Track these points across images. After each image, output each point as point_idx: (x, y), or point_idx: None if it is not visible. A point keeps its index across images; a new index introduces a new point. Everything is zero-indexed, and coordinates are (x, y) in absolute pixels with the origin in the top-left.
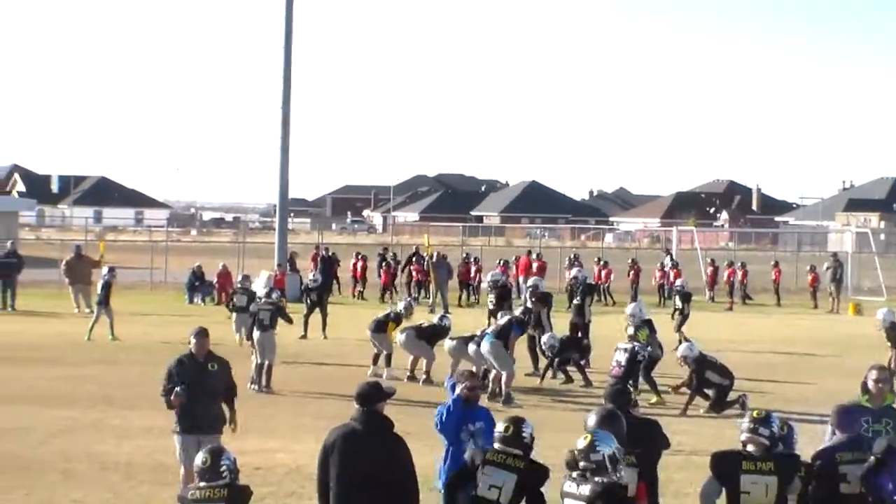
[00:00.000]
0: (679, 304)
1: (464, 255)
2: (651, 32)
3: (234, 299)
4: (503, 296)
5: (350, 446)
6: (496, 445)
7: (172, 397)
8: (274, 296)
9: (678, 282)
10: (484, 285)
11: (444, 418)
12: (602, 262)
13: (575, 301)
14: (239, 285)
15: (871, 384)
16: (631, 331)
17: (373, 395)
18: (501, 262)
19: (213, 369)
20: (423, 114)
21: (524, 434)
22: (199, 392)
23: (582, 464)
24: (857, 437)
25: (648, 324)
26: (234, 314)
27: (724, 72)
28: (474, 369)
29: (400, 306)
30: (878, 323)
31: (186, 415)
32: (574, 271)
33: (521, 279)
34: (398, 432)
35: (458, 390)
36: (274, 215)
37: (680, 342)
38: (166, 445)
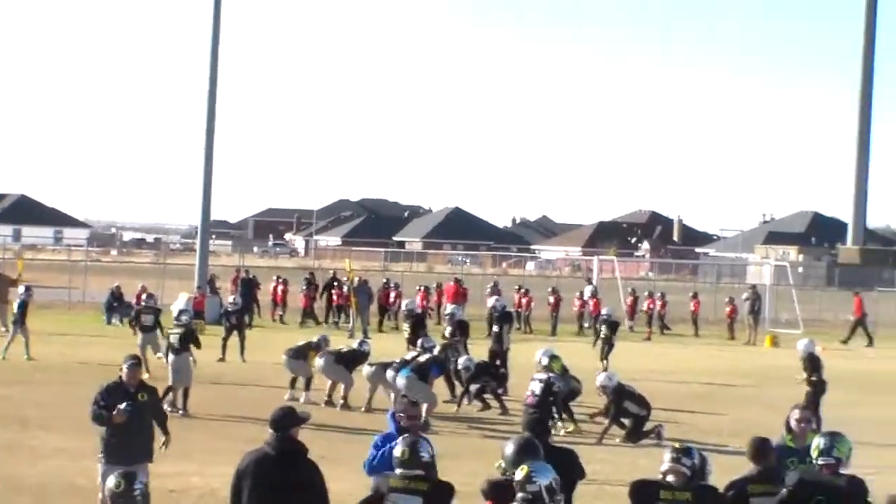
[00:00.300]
0: (605, 332)
1: (384, 281)
2: (575, 62)
3: (141, 318)
4: (418, 324)
5: (263, 471)
6: (397, 471)
7: (115, 413)
8: (184, 318)
9: (604, 310)
10: (403, 310)
11: (374, 462)
12: (523, 290)
13: (494, 328)
14: (144, 304)
15: (793, 424)
16: (545, 361)
17: (286, 420)
18: (421, 289)
19: (143, 399)
20: (348, 138)
21: (423, 455)
22: (128, 423)
23: (519, 495)
24: (770, 470)
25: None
26: (141, 334)
27: (649, 103)
28: (392, 395)
29: (316, 339)
30: (799, 353)
31: (113, 445)
32: (492, 300)
33: (449, 306)
34: (313, 457)
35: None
36: (195, 237)
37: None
38: (82, 468)
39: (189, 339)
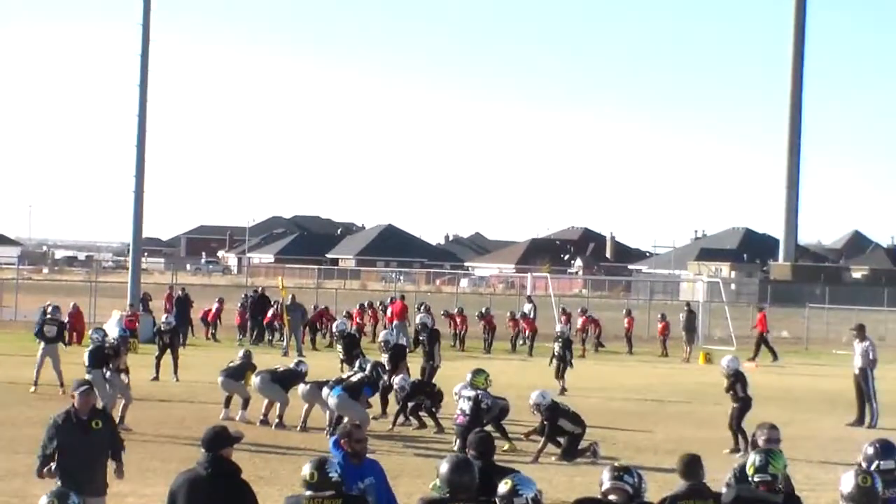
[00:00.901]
0: (558, 350)
1: (318, 307)
2: (508, 80)
3: (44, 329)
4: (350, 345)
5: (195, 492)
6: (306, 493)
7: (45, 469)
8: (95, 336)
9: (558, 328)
10: (335, 331)
11: None
12: (457, 310)
13: (423, 346)
14: (49, 315)
15: (762, 444)
16: (468, 377)
17: (219, 440)
18: (357, 307)
19: (98, 427)
20: (280, 154)
21: (331, 474)
22: (82, 454)
23: None
24: (699, 485)
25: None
26: (42, 344)
27: (580, 120)
28: (327, 414)
29: (251, 357)
30: (723, 370)
31: (68, 475)
32: (418, 317)
33: (395, 323)
34: (248, 478)
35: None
36: (128, 255)
37: (562, 389)
38: (14, 489)
39: (97, 355)
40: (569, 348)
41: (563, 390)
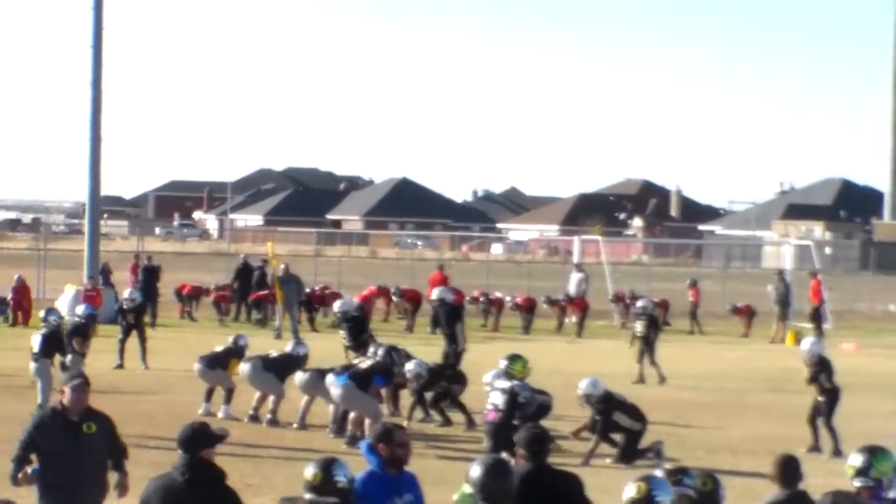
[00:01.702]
0: (641, 330)
1: (317, 286)
2: (548, 6)
3: None
4: (357, 329)
5: (171, 500)
6: (306, 497)
7: (22, 475)
8: (51, 318)
9: (639, 303)
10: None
11: None
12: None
13: (442, 328)
14: None
15: None
16: (503, 364)
17: (198, 439)
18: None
19: (91, 432)
20: (270, 96)
21: (338, 479)
22: (70, 464)
23: None
24: (799, 494)
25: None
26: None
27: (638, 51)
28: (332, 409)
29: (240, 341)
30: (804, 357)
31: (52, 490)
32: (436, 291)
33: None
34: (233, 485)
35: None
36: (83, 216)
37: (661, 378)
38: None
39: (52, 342)
40: (654, 326)
41: (639, 380)
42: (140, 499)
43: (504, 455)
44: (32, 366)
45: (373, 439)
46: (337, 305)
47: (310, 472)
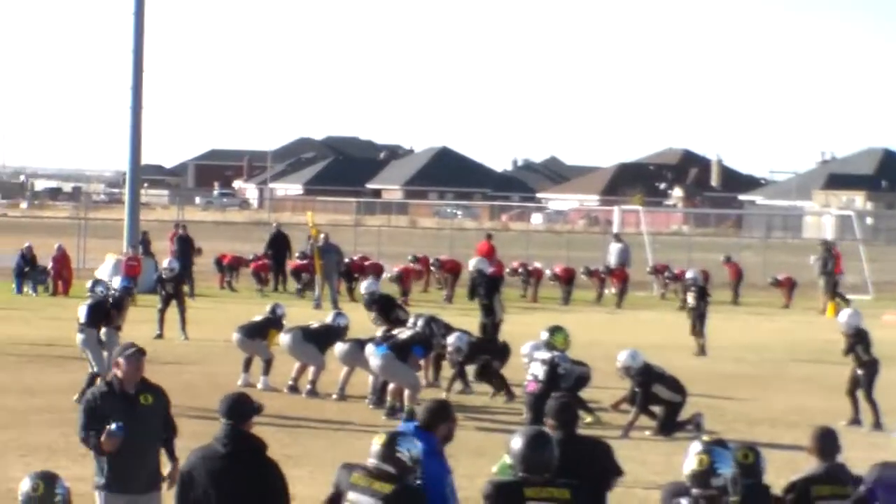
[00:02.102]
0: (692, 301)
1: (357, 256)
2: None
3: None
4: (386, 309)
5: (213, 472)
6: (369, 462)
7: (104, 437)
8: (98, 289)
9: (689, 273)
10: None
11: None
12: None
13: (479, 298)
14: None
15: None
16: (544, 335)
17: (240, 409)
18: (410, 259)
19: (147, 403)
20: (309, 64)
21: (400, 451)
22: (128, 438)
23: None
24: (837, 467)
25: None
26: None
27: (676, 21)
28: (371, 379)
29: (278, 311)
30: (841, 328)
31: (116, 468)
32: (474, 261)
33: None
34: (274, 455)
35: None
36: (123, 186)
37: (701, 349)
38: (7, 477)
39: (98, 312)
40: (704, 297)
41: (703, 351)
42: (181, 470)
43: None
44: (79, 336)
45: (430, 418)
46: (363, 287)
47: (376, 442)
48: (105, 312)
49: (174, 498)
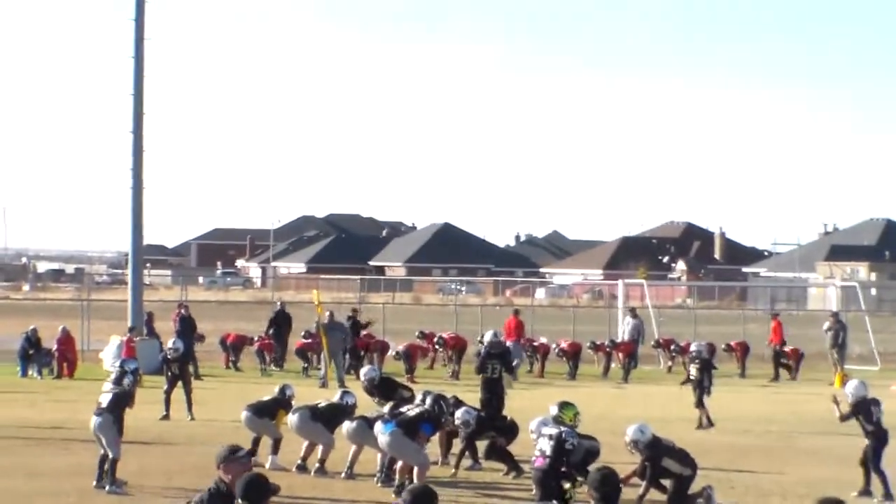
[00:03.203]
0: (695, 373)
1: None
2: (588, 50)
3: None
4: (387, 392)
5: None
6: None
7: None
8: (126, 381)
9: (693, 346)
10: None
11: None
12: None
13: (486, 373)
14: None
15: None
16: (554, 410)
17: (258, 491)
18: (417, 335)
19: None
20: (310, 142)
21: None
22: None
23: None
24: None
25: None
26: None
27: (678, 96)
28: (379, 458)
29: (287, 391)
30: (847, 398)
31: None
32: (488, 334)
33: (511, 344)
34: None
35: None
36: (125, 266)
37: (701, 422)
38: None
39: (121, 403)
40: (708, 370)
41: (708, 423)
42: None
43: (554, 503)
44: (95, 419)
45: (412, 502)
46: (362, 374)
47: None
48: (127, 404)
49: None
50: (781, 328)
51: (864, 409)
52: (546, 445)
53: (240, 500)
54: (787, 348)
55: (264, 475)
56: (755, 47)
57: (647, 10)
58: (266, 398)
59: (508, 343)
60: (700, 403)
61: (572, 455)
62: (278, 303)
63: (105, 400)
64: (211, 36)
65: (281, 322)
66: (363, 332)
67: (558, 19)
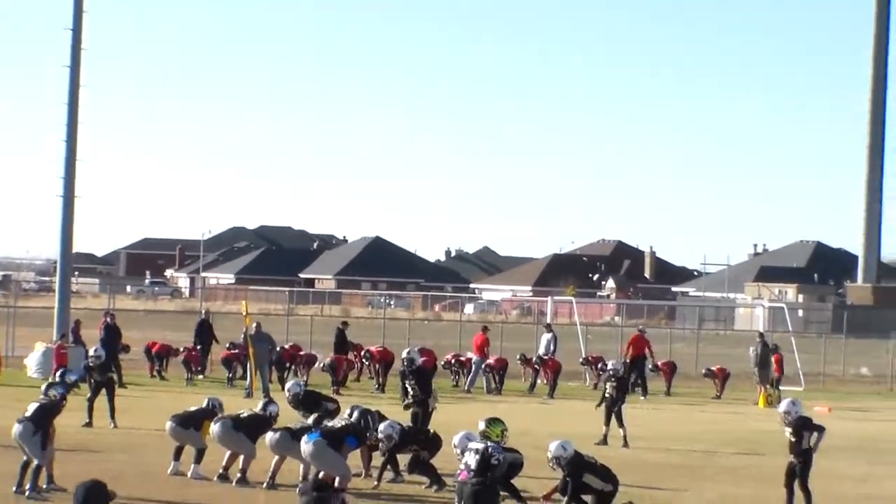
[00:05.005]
0: (610, 391)
1: (288, 344)
2: (522, 59)
3: None
4: (312, 407)
5: None
6: None
7: None
8: (52, 392)
9: (610, 364)
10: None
11: None
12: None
13: (409, 390)
14: None
15: None
16: (482, 426)
17: (96, 499)
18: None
19: None
20: (241, 154)
21: None
22: None
23: None
24: None
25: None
26: None
27: (612, 110)
28: (302, 468)
29: (214, 403)
30: (784, 417)
31: None
32: (405, 352)
33: (476, 359)
34: None
35: None
36: (54, 274)
37: (624, 438)
38: None
39: (47, 415)
40: (623, 389)
41: (604, 441)
42: None
43: None
44: (17, 427)
45: None
46: (286, 389)
47: None
48: (52, 417)
49: None
50: (641, 341)
51: (809, 426)
52: (472, 460)
53: None
54: (713, 367)
55: (101, 482)
56: (692, 60)
57: (576, 22)
58: (192, 409)
59: (473, 357)
60: (608, 421)
61: (496, 470)
62: (203, 312)
63: (31, 408)
64: (140, 44)
65: (204, 332)
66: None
67: (480, 19)
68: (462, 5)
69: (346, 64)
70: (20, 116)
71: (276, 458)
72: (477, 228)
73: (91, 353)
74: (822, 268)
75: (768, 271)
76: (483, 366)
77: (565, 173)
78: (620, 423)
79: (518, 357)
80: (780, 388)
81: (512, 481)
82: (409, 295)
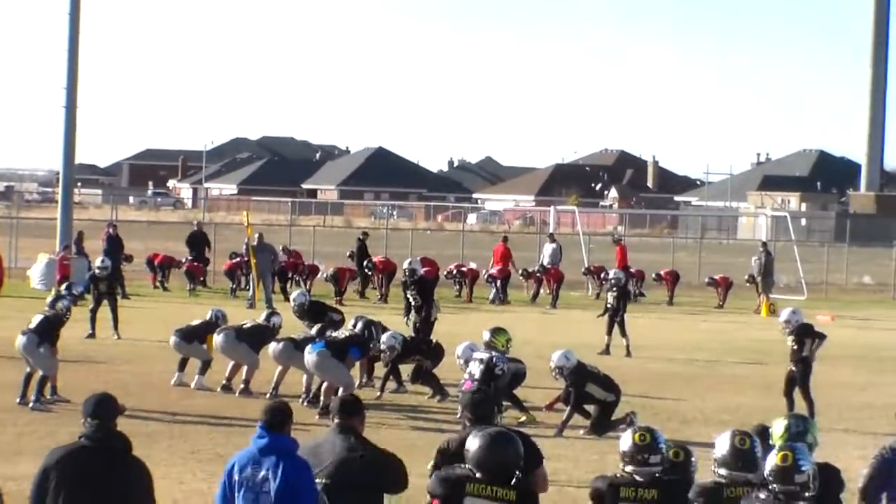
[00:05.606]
0: (611, 302)
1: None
2: None
3: None
4: (317, 316)
5: (76, 470)
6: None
7: None
8: (59, 304)
9: (612, 273)
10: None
11: None
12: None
13: (412, 298)
14: None
15: None
16: (486, 336)
17: (107, 409)
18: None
19: None
20: (245, 64)
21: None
22: None
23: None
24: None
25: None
26: None
27: (612, 21)
28: (304, 378)
29: (218, 315)
30: (785, 326)
31: None
32: (407, 263)
33: (495, 271)
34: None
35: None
36: (56, 185)
37: (627, 347)
38: None
39: (52, 328)
40: (625, 298)
41: (605, 351)
42: (40, 468)
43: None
44: (21, 339)
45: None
46: (291, 299)
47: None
48: (57, 329)
49: (30, 497)
50: (625, 252)
51: (811, 333)
52: (476, 369)
53: (88, 419)
54: (716, 276)
55: (110, 394)
56: None
57: None
58: (195, 322)
59: (492, 270)
60: (620, 330)
61: (500, 380)
62: (194, 223)
63: (35, 320)
64: None
65: (196, 242)
66: (368, 260)
67: None
68: None
69: None
70: (22, 27)
71: (280, 368)
72: (480, 138)
73: (98, 263)
74: (826, 176)
75: (771, 180)
76: (486, 276)
77: (568, 83)
78: (623, 333)
79: (520, 272)
80: (778, 296)
81: (514, 391)
82: (412, 205)
